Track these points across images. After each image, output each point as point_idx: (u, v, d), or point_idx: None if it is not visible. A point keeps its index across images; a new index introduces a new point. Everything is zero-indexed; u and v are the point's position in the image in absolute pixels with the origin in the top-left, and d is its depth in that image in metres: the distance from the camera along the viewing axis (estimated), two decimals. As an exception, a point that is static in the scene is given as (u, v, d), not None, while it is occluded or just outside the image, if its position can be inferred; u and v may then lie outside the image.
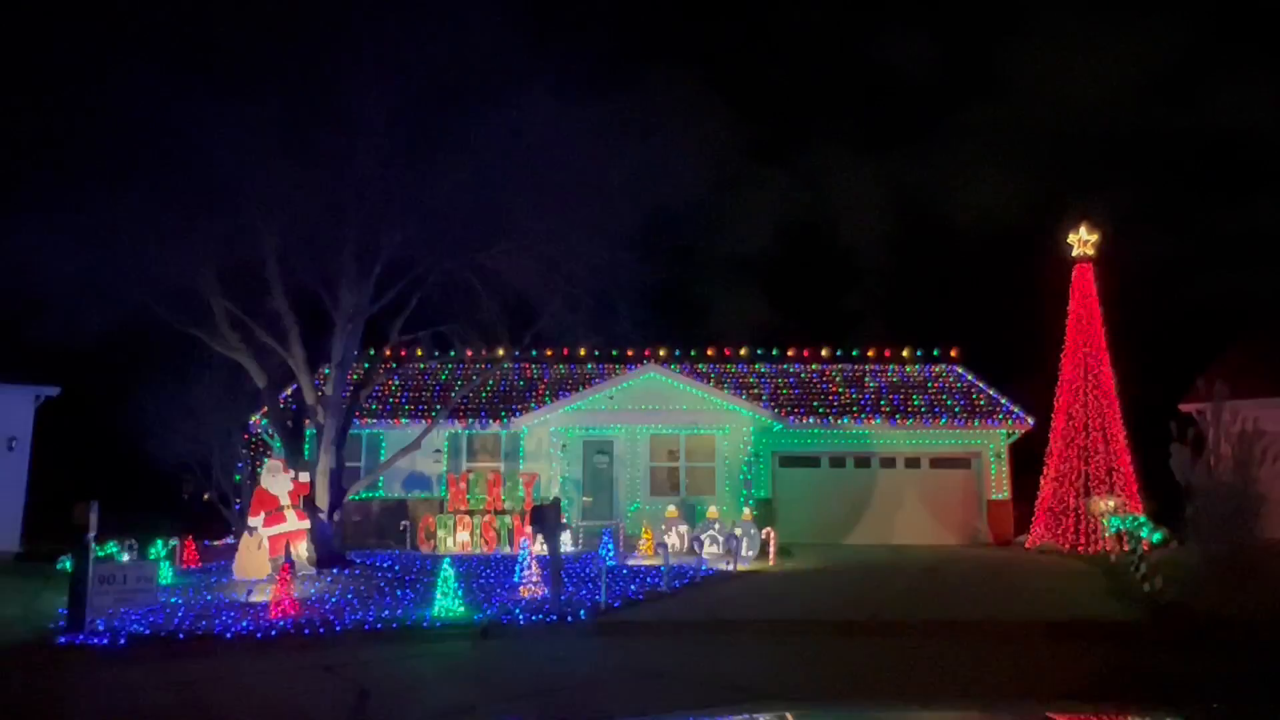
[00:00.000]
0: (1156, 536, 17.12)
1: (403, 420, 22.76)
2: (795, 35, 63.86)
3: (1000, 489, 23.50)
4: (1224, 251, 48.73)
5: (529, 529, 19.11)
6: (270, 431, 20.95)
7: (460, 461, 23.17)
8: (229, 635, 10.25)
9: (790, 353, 26.61)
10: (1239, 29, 57.56)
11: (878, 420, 23.52)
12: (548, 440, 22.39)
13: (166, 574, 14.17)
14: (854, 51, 63.59)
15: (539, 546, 14.03)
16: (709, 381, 23.74)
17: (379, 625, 10.84)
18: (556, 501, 15.29)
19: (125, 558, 15.39)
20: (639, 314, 17.21)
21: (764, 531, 18.50)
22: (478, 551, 19.68)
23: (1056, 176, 55.77)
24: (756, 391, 24.62)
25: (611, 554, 16.19)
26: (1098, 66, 61.74)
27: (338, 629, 10.60)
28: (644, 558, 18.16)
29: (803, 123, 62.97)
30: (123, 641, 9.95)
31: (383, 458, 21.54)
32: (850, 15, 65.63)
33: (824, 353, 26.52)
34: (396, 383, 24.13)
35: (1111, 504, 19.51)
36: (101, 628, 10.44)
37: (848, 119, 64.90)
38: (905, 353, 26.54)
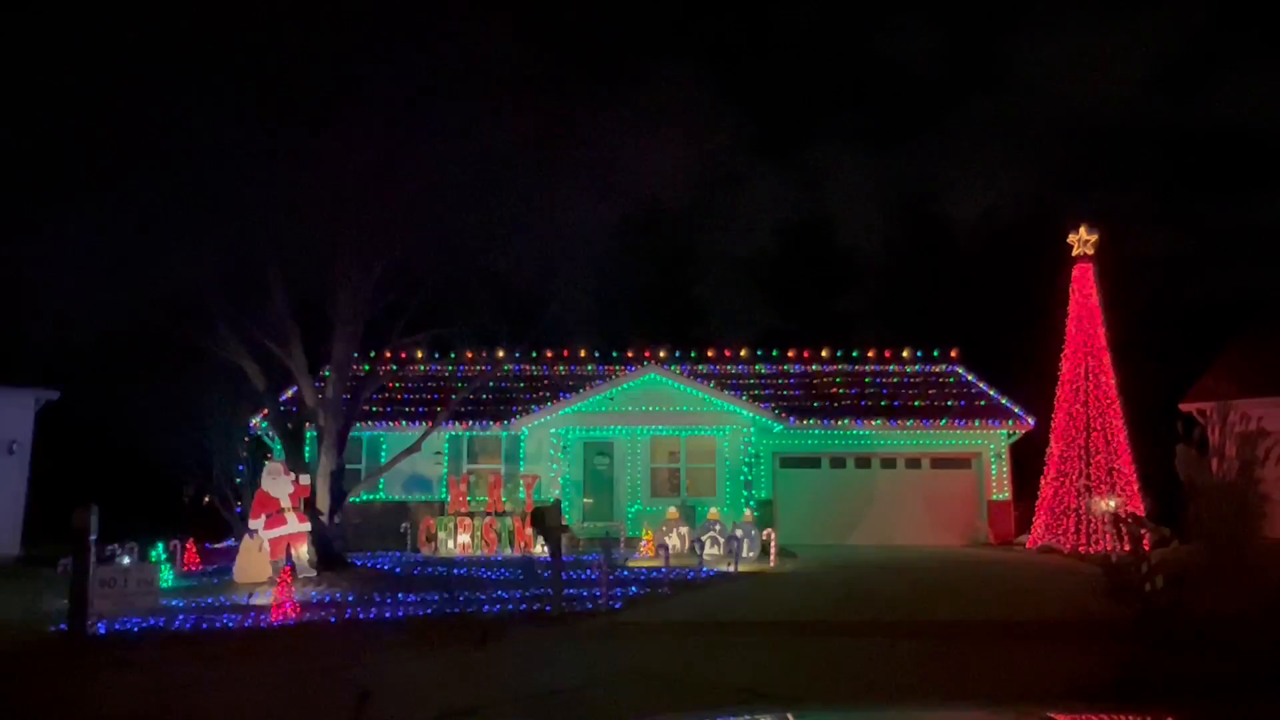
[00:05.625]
0: (1157, 536, 17.08)
1: (403, 422, 22.75)
2: (795, 31, 63.95)
3: (1001, 489, 23.51)
4: (1225, 249, 48.75)
5: (529, 531, 19.17)
6: (271, 434, 20.95)
7: (461, 463, 23.17)
8: (230, 638, 10.24)
9: (790, 353, 26.63)
10: (1242, 23, 57.61)
11: (878, 421, 23.52)
12: (548, 442, 22.39)
13: (167, 577, 14.17)
14: (854, 47, 63.67)
15: (539, 548, 14.02)
16: (709, 382, 23.75)
17: (379, 628, 10.84)
18: (557, 503, 15.30)
19: (126, 560, 15.36)
20: (639, 314, 17.26)
21: (765, 533, 18.50)
22: (478, 553, 19.67)
23: (1057, 174, 55.83)
24: (757, 392, 24.62)
25: (612, 555, 16.18)
26: (1099, 62, 61.84)
27: (338, 632, 10.59)
28: (645, 559, 18.15)
29: (802, 119, 63.03)
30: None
31: (383, 460, 21.54)
32: (850, 11, 65.72)
33: (824, 353, 26.55)
34: (397, 385, 24.13)
35: (1112, 504, 19.49)
36: (102, 631, 10.44)
37: (848, 115, 65.01)
38: (905, 353, 26.57)
